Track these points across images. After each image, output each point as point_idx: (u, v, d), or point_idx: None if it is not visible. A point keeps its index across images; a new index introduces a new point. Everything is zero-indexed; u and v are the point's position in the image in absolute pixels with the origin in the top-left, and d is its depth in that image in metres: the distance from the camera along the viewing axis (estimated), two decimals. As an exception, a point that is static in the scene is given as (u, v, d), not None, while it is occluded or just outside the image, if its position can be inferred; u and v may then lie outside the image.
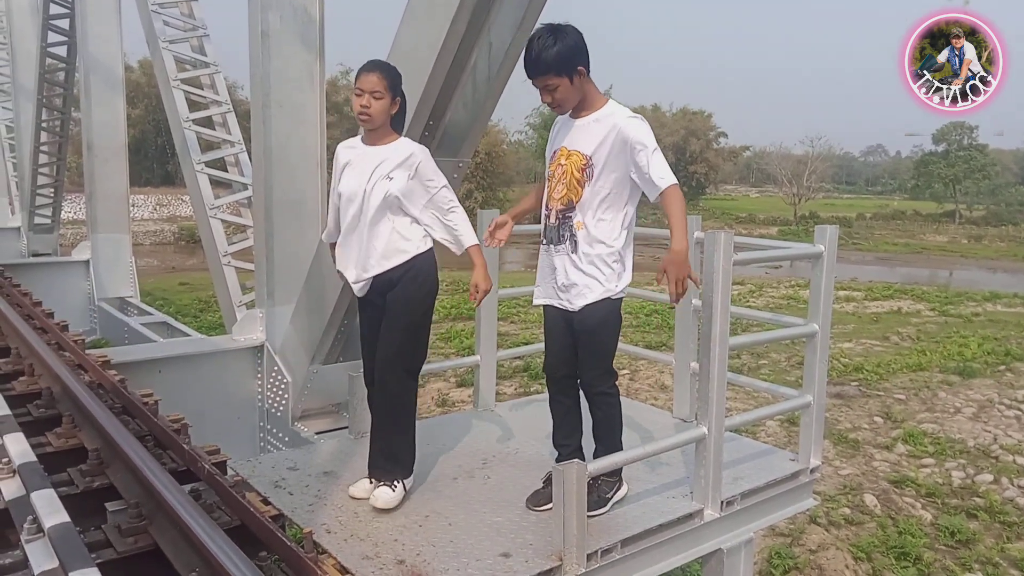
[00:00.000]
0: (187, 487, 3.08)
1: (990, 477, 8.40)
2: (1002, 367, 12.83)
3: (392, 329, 3.25)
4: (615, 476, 3.28)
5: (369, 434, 3.41)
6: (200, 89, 9.89)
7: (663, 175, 2.95)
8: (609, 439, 3.30)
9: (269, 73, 6.08)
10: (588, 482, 2.89)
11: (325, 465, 3.69)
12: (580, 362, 3.27)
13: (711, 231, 3.21)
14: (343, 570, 2.75)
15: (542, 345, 5.85)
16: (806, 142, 66.89)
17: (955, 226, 51.76)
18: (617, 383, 3.34)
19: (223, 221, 9.00)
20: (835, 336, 14.29)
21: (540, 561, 2.82)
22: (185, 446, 3.48)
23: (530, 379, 11.56)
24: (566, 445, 3.38)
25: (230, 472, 3.50)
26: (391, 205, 3.21)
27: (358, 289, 3.34)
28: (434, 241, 3.32)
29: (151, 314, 11.07)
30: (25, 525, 2.66)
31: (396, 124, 3.35)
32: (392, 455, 3.30)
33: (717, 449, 3.27)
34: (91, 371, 4.83)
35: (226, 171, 9.70)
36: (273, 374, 6.38)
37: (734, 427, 3.63)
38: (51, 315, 6.62)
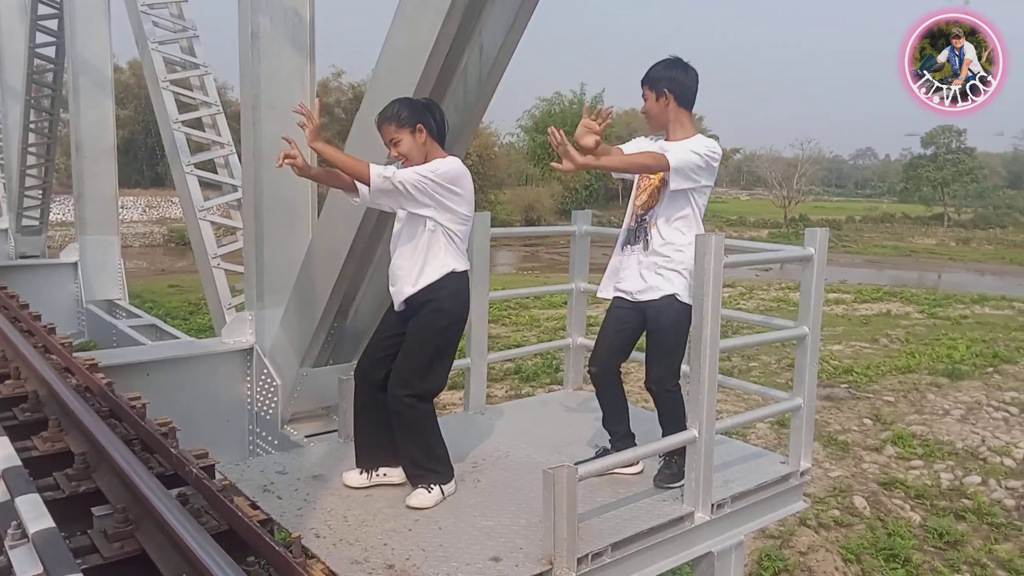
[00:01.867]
0: (174, 491, 3.05)
1: (978, 479, 8.45)
2: (990, 369, 12.92)
3: (408, 356, 3.32)
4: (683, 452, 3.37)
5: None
6: (190, 90, 9.82)
7: (674, 159, 3.33)
8: (673, 427, 3.46)
9: (259, 74, 6.05)
10: (665, 457, 3.43)
11: (314, 469, 3.68)
12: (647, 358, 3.54)
13: (702, 234, 3.21)
14: (332, 575, 2.73)
15: (533, 347, 5.87)
16: (796, 145, 67.44)
17: (943, 229, 52.10)
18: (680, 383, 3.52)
19: (213, 223, 8.95)
20: (825, 338, 14.34)
21: (530, 565, 2.81)
22: (173, 450, 3.44)
23: (521, 381, 11.56)
24: (615, 432, 3.72)
25: (218, 476, 3.47)
26: (419, 227, 3.30)
27: (397, 305, 3.42)
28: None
29: (139, 317, 10.97)
30: (9, 531, 2.62)
31: (440, 142, 3.41)
32: (421, 465, 3.35)
33: (708, 452, 3.27)
34: (78, 374, 4.79)
35: (216, 173, 9.64)
36: (263, 377, 6.34)
37: (725, 430, 3.63)
38: (38, 318, 6.56)
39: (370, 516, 3.19)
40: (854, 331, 16.13)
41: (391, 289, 3.45)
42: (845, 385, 11.82)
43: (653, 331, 3.50)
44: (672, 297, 3.41)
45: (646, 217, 3.52)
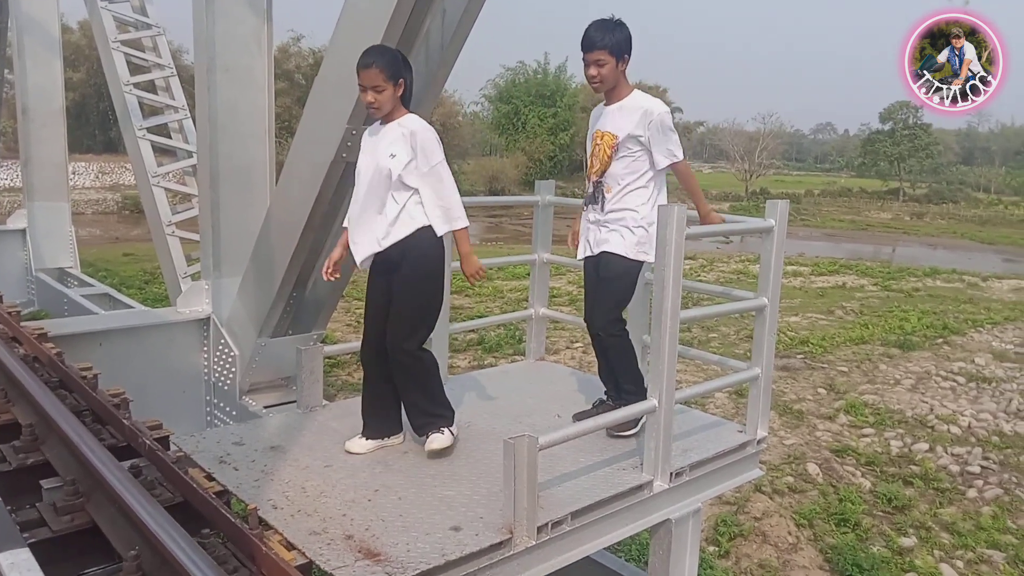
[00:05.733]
0: (127, 463, 2.99)
1: (926, 446, 8.73)
2: (939, 340, 13.30)
3: (400, 310, 3.37)
4: (641, 393, 3.47)
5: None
6: (142, 52, 9.51)
7: (674, 152, 3.57)
8: (628, 373, 3.68)
9: (214, 36, 5.85)
10: (618, 404, 3.52)
11: (272, 440, 3.63)
12: (594, 306, 3.70)
13: (664, 205, 3.21)
14: (290, 546, 2.69)
15: (496, 318, 5.85)
16: (758, 119, 67.98)
17: (899, 203, 53.16)
18: (626, 328, 3.70)
19: (167, 190, 8.72)
20: (783, 310, 14.59)
21: (490, 534, 2.81)
22: (125, 421, 3.37)
23: (484, 352, 11.57)
24: (609, 381, 3.85)
25: (173, 447, 3.40)
26: (392, 181, 3.29)
27: (360, 263, 3.42)
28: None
29: (92, 285, 10.70)
30: (-48, 505, 2.55)
31: (405, 100, 3.40)
32: (429, 412, 3.46)
33: (667, 421, 3.29)
34: (26, 344, 4.65)
35: (170, 138, 9.38)
36: (220, 347, 6.23)
37: (684, 399, 3.66)
38: (-16, 286, 6.35)
39: (329, 487, 3.16)
40: (811, 303, 16.45)
41: (360, 243, 3.39)
42: (801, 355, 12.07)
43: (602, 279, 3.67)
44: (620, 255, 3.59)
45: (600, 181, 3.68)
